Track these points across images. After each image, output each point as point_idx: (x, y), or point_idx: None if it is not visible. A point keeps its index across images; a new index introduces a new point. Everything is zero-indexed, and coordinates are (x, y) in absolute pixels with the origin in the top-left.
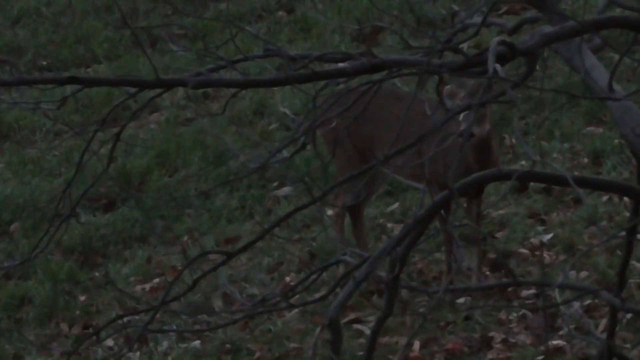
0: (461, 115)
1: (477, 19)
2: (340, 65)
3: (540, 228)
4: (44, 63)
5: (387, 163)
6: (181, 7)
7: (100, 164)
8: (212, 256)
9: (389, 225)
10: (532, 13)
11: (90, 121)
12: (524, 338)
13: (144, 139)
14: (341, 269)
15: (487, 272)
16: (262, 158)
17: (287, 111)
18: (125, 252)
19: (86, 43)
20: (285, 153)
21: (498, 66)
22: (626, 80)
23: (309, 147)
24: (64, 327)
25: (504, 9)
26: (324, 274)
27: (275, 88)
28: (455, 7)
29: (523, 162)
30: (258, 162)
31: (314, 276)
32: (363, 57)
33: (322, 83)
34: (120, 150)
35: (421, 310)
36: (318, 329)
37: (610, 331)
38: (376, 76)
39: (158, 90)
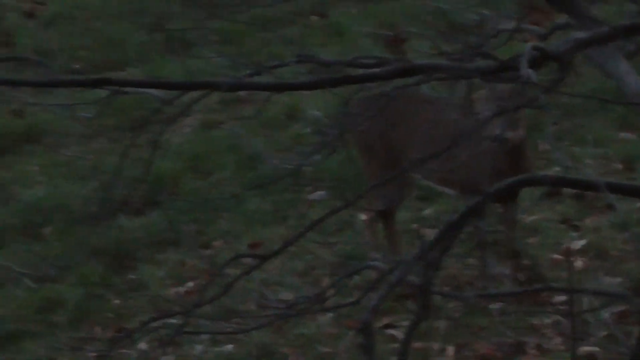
0: (494, 121)
1: (508, 24)
2: (374, 69)
3: (573, 234)
4: (77, 66)
5: (419, 168)
6: (214, 11)
7: (133, 167)
8: (245, 259)
9: (422, 230)
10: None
11: (122, 124)
12: (557, 343)
13: (177, 143)
14: (374, 274)
15: (520, 278)
16: (294, 162)
17: (318, 113)
18: (158, 256)
19: (119, 46)
20: (318, 157)
21: (531, 71)
22: None
23: (341, 151)
24: (97, 330)
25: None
26: (357, 278)
27: (307, 92)
28: (486, 13)
29: (556, 168)
30: (291, 165)
31: (345, 280)
32: (396, 62)
33: (354, 87)
34: (158, 154)
35: (454, 315)
36: (351, 333)
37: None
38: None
39: (192, 94)
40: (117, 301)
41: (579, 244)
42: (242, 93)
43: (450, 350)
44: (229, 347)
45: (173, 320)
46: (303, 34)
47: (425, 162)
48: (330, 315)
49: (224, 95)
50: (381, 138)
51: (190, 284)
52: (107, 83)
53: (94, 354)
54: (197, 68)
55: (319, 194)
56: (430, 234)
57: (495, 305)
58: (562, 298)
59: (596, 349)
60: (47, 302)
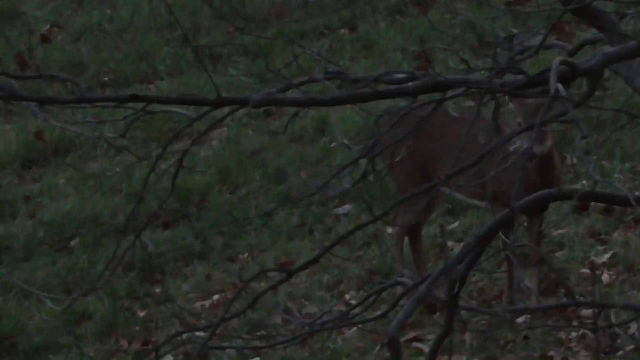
0: (522, 135)
1: (537, 40)
2: (403, 84)
3: (600, 248)
4: (106, 79)
5: (448, 182)
6: (243, 24)
7: (161, 181)
8: (272, 273)
9: (449, 243)
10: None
11: (151, 137)
12: (583, 358)
13: (205, 156)
14: (400, 287)
15: (546, 292)
16: (323, 177)
17: (346, 141)
18: (185, 269)
19: (148, 59)
20: (347, 176)
21: (560, 86)
22: None
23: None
24: (124, 342)
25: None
26: (384, 292)
27: (336, 107)
28: (515, 30)
29: (584, 182)
30: (319, 182)
31: (372, 297)
32: (425, 77)
33: (383, 103)
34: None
35: (481, 329)
36: (378, 347)
37: None
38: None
39: (221, 109)
40: (143, 314)
41: (605, 257)
42: (270, 107)
43: None
44: None
45: (199, 334)
46: (332, 48)
47: (454, 176)
48: (356, 329)
49: (253, 110)
50: (410, 153)
51: (216, 297)
52: (135, 99)
53: None
54: (226, 82)
55: (345, 207)
56: (457, 247)
57: (521, 319)
58: (588, 312)
59: None
60: (74, 315)
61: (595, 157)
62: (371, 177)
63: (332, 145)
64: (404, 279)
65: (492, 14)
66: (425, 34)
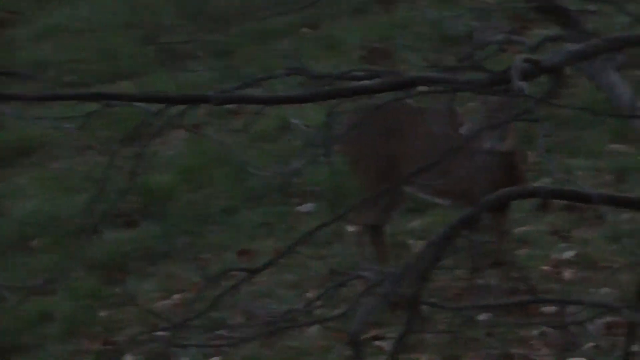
0: (485, 133)
1: (497, 36)
2: (366, 82)
3: (562, 245)
4: (69, 78)
5: (412, 181)
6: (206, 24)
7: (123, 180)
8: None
9: (412, 242)
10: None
11: (114, 136)
12: (545, 355)
13: (169, 155)
14: (362, 286)
15: (508, 289)
16: (284, 174)
17: (299, 122)
18: (147, 268)
19: (111, 59)
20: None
21: (523, 83)
22: None
23: (331, 163)
24: (86, 343)
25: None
26: (346, 290)
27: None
28: (475, 25)
29: (547, 179)
30: (278, 177)
31: (333, 291)
32: (387, 74)
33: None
34: (144, 166)
35: (443, 327)
36: (339, 346)
37: (627, 348)
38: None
39: (182, 107)
40: (105, 314)
41: (568, 255)
42: (233, 105)
43: None
44: (217, 359)
45: (161, 334)
46: (296, 47)
47: (418, 174)
48: (318, 327)
49: (215, 108)
50: (373, 150)
51: (178, 295)
52: (98, 97)
53: None
54: (189, 80)
55: (307, 206)
56: (419, 246)
57: (483, 317)
58: (550, 309)
59: None
60: (37, 316)
61: (558, 154)
62: (332, 166)
63: (294, 143)
64: (366, 273)
65: (456, 11)
66: (387, 32)
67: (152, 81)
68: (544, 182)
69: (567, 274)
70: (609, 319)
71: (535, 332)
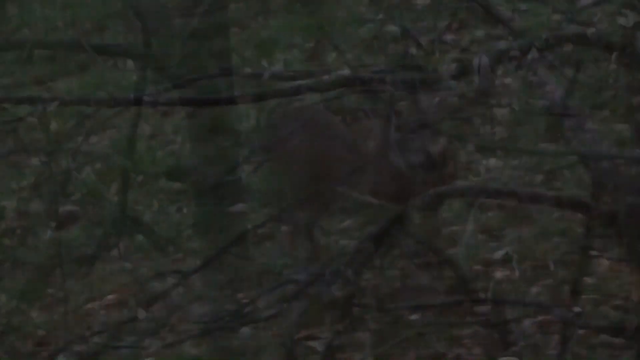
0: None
1: (429, 36)
2: (299, 82)
3: (493, 244)
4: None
5: (342, 182)
6: (135, 25)
7: (58, 181)
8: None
9: (342, 242)
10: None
11: (50, 139)
12: (477, 354)
13: (101, 155)
14: (294, 286)
15: (441, 289)
16: (216, 175)
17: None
18: (80, 270)
19: (44, 61)
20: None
21: (453, 83)
22: (581, 96)
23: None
24: (18, 345)
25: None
26: (278, 290)
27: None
28: (408, 26)
29: (477, 178)
30: (213, 179)
31: (267, 294)
32: (320, 74)
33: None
34: (78, 167)
35: (375, 327)
36: (271, 346)
37: (562, 347)
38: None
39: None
40: (37, 315)
41: (499, 254)
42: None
43: None
44: None
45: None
46: (228, 47)
47: (346, 178)
48: (251, 327)
49: (149, 109)
50: (303, 152)
51: (111, 296)
52: (30, 101)
53: None
54: (121, 82)
55: (239, 206)
56: (351, 245)
57: (416, 317)
58: (483, 308)
59: (515, 359)
60: None
61: (487, 153)
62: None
63: (226, 144)
64: (297, 277)
65: (389, 10)
66: (319, 33)
67: (85, 82)
68: (474, 182)
69: (499, 273)
70: (540, 318)
71: (467, 331)
